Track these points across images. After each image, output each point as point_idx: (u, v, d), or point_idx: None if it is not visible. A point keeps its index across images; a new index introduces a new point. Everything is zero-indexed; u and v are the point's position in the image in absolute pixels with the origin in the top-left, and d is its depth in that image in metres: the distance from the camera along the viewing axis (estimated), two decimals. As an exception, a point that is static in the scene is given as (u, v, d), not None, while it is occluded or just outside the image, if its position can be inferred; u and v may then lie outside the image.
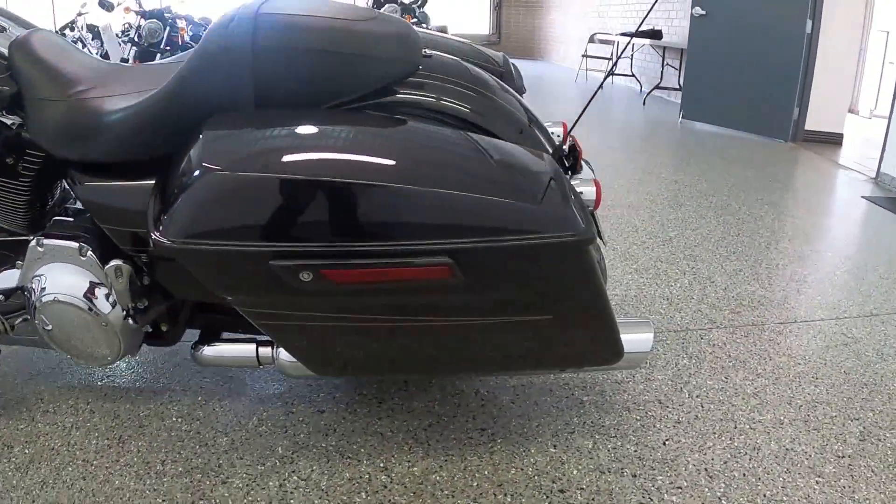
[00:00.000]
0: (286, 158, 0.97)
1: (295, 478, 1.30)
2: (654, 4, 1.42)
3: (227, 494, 1.25)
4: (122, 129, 1.14)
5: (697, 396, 1.59)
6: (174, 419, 1.47)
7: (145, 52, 4.65)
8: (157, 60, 3.87)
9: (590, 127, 5.21)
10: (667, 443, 1.42)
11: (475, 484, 1.30)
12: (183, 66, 1.13)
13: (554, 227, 0.96)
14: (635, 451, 1.40)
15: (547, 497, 1.27)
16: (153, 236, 0.99)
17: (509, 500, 1.26)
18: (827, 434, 1.45)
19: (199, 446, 1.38)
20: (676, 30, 6.49)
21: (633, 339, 1.26)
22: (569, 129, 1.42)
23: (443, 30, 5.99)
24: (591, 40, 8.27)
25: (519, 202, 0.95)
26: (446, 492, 1.28)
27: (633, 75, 7.44)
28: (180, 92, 1.12)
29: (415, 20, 5.72)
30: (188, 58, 1.14)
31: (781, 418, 1.51)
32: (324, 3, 1.21)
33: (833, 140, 4.57)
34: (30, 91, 1.19)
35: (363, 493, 1.27)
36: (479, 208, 0.95)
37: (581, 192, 1.18)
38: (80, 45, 5.23)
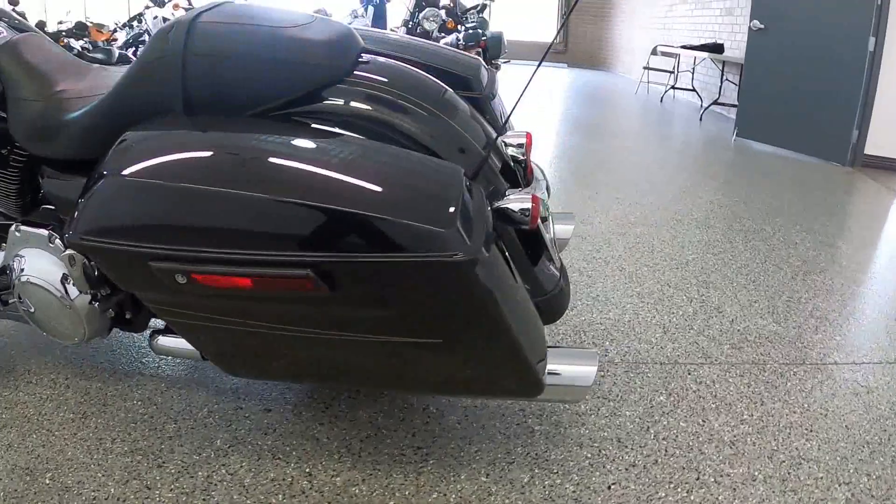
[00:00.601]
0: (169, 166, 0.99)
1: (223, 471, 1.30)
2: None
3: (158, 478, 1.28)
4: (75, 129, 1.22)
5: (664, 439, 1.43)
6: (135, 401, 1.52)
7: None
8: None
9: (639, 141, 5.00)
10: (612, 487, 1.27)
11: (391, 503, 1.21)
12: (124, 71, 1.18)
13: (431, 246, 0.89)
14: (573, 491, 1.26)
15: (456, 531, 1.16)
16: (65, 233, 1.04)
17: (416, 528, 1.16)
18: (805, 498, 1.27)
19: (148, 430, 1.42)
20: (739, 44, 6.15)
21: (572, 372, 1.17)
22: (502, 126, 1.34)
23: (498, 36, 5.89)
24: (654, 52, 7.97)
25: (393, 217, 0.90)
26: (359, 508, 1.20)
27: (693, 90, 7.11)
28: (118, 96, 1.17)
29: (462, 25, 5.65)
30: (130, 64, 1.19)
31: (755, 473, 1.33)
32: (264, 12, 1.19)
33: (894, 167, 4.18)
34: (12, 91, 1.30)
35: (280, 496, 1.25)
36: (346, 222, 0.90)
37: (508, 208, 1.09)
38: (146, 38, 5.42)
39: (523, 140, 1.37)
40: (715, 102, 6.25)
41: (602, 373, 1.67)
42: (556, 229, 1.55)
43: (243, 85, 1.11)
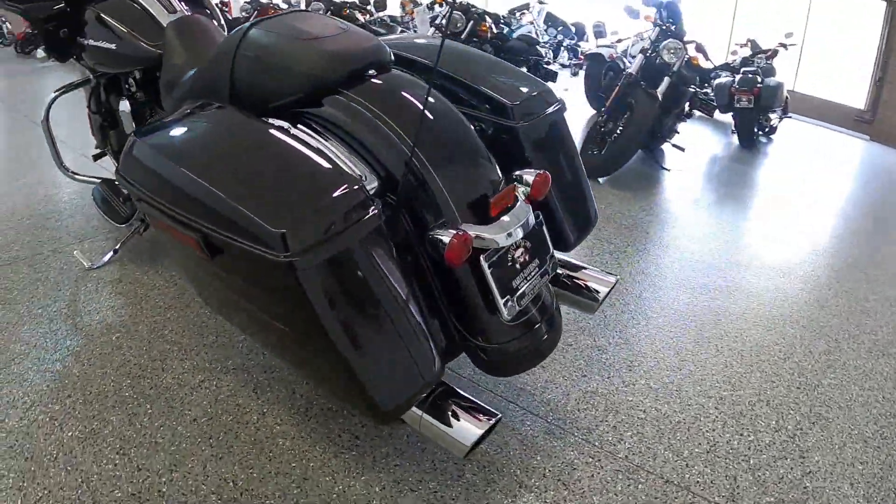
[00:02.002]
0: (157, 139, 1.27)
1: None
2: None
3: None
4: (176, 94, 1.61)
5: None
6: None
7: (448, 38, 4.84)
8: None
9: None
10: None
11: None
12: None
13: (260, 241, 1.01)
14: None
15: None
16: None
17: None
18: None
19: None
20: None
21: (456, 427, 1.19)
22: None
23: (776, 85, 4.78)
24: None
25: (248, 208, 1.03)
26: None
27: None
28: (198, 76, 1.49)
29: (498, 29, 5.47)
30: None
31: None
32: (307, 24, 1.35)
33: None
34: (166, 55, 1.80)
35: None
36: (219, 203, 1.06)
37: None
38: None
39: (531, 179, 1.34)
40: None
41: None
42: (593, 284, 1.58)
43: (264, 84, 1.31)
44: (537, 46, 5.47)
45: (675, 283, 2.58)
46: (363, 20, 5.89)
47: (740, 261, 2.84)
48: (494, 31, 5.01)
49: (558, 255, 1.63)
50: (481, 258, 1.21)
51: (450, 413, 1.21)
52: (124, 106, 2.17)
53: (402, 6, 5.54)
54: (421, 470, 1.51)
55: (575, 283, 1.58)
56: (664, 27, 3.90)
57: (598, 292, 1.55)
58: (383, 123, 1.23)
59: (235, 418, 1.65)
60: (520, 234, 1.25)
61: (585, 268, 1.61)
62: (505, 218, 1.25)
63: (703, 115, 5.44)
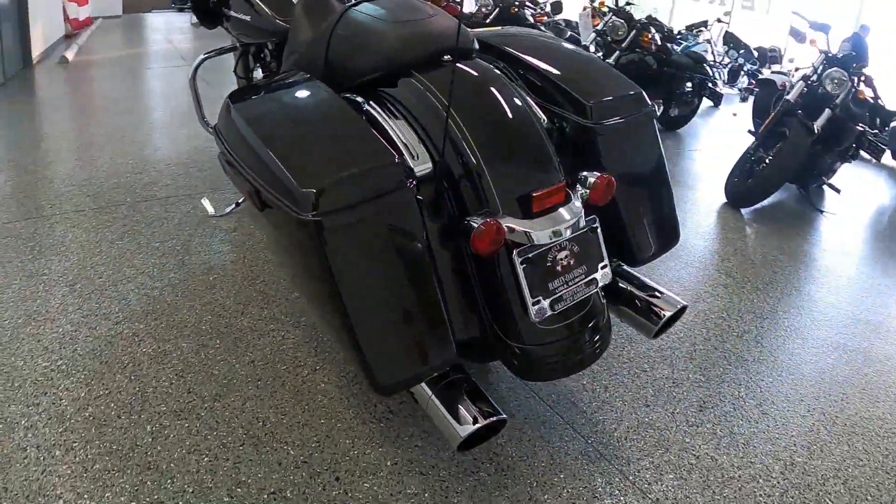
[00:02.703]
0: (240, 103, 1.35)
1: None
2: None
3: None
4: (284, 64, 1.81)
5: None
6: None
7: (608, 46, 4.82)
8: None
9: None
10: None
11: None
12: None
13: (289, 198, 1.06)
14: None
15: None
16: None
17: None
18: None
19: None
20: None
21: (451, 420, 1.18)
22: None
23: None
24: None
25: (286, 167, 1.08)
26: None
27: None
28: (306, 51, 1.61)
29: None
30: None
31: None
32: (396, 7, 1.43)
33: None
34: (292, 29, 1.90)
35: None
36: (269, 160, 1.12)
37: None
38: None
39: (594, 180, 1.28)
40: None
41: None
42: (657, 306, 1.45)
43: (349, 61, 1.40)
44: (705, 65, 5.13)
45: (785, 329, 2.29)
46: (532, 20, 5.90)
47: (871, 320, 2.45)
48: (658, 43, 4.77)
49: (629, 269, 1.53)
50: (514, 252, 1.17)
51: (458, 402, 1.18)
52: (259, 74, 2.39)
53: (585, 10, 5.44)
54: (438, 457, 1.49)
55: (636, 302, 1.46)
56: (831, 55, 3.48)
57: (659, 316, 1.42)
58: (443, 108, 1.23)
59: (288, 368, 1.75)
60: (563, 234, 1.19)
61: (654, 288, 1.48)
62: (548, 216, 1.19)
63: (869, 157, 4.76)
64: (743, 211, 3.49)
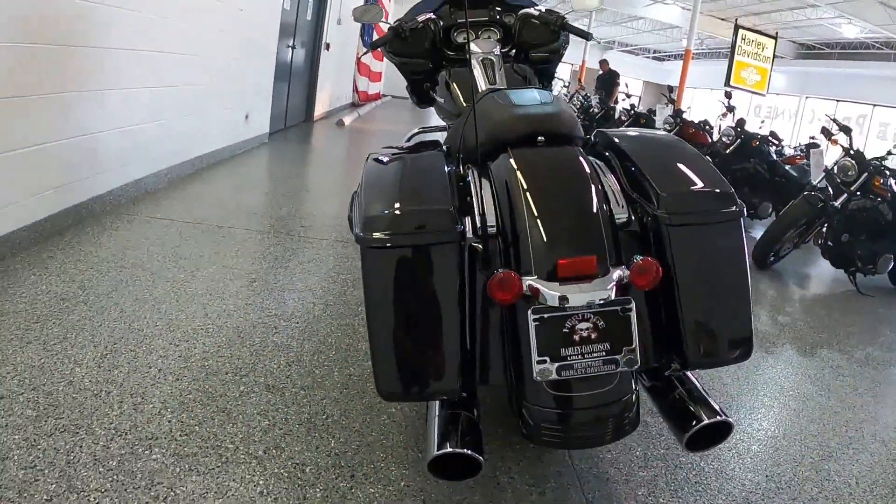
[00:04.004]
0: (375, 156, 1.57)
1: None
2: None
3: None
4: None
5: None
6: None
7: (836, 188, 4.22)
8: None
9: None
10: None
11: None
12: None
13: (357, 224, 1.28)
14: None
15: None
16: None
17: None
18: None
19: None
20: None
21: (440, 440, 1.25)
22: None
23: None
24: None
25: (365, 200, 1.33)
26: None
27: None
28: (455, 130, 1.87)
29: None
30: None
31: None
32: (517, 95, 1.68)
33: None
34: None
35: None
36: (360, 196, 1.37)
37: None
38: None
39: (635, 262, 1.29)
40: None
41: None
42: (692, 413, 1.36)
43: (469, 137, 1.59)
44: None
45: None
46: (774, 157, 5.86)
47: None
48: (894, 190, 4.22)
49: (687, 372, 1.45)
50: (530, 309, 1.23)
51: (450, 425, 1.27)
52: None
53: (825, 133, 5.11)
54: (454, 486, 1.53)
55: (671, 401, 1.37)
56: None
57: (689, 425, 1.32)
58: (515, 182, 1.38)
59: (369, 380, 1.95)
60: (579, 302, 1.21)
61: (699, 393, 1.38)
62: (570, 284, 1.24)
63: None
64: None
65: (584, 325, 1.24)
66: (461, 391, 1.28)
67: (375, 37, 7.03)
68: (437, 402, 1.33)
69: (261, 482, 1.47)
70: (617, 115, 7.98)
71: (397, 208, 1.27)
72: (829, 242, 4.05)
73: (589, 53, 16.80)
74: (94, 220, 3.12)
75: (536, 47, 2.28)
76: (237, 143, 5.38)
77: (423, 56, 2.32)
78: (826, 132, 4.48)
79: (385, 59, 2.48)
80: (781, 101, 20.96)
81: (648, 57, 27.25)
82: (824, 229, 4.12)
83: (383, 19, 2.55)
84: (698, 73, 17.42)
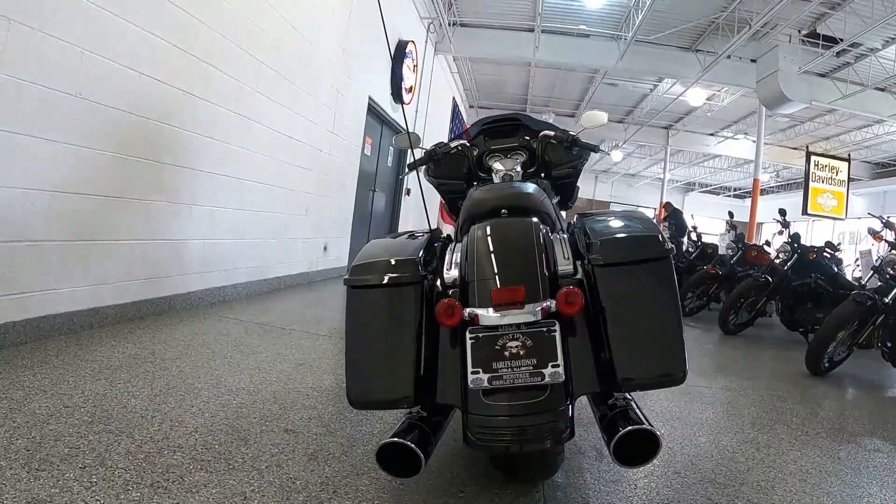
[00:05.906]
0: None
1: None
2: None
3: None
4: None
5: None
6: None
7: (886, 282, 4.27)
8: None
9: None
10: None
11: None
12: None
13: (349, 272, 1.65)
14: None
15: None
16: None
17: None
18: None
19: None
20: None
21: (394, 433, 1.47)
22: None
23: None
24: None
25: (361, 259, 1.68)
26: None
27: None
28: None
29: None
30: None
31: None
32: (501, 186, 2.02)
33: None
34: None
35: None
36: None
37: None
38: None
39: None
40: None
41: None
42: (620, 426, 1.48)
43: (457, 214, 2.00)
44: None
45: None
46: (836, 269, 5.71)
47: None
48: None
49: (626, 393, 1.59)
50: (468, 329, 1.48)
51: (408, 424, 1.51)
52: None
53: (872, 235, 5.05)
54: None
55: (607, 418, 1.49)
56: None
57: (613, 433, 1.42)
58: (473, 241, 1.67)
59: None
60: (507, 322, 1.46)
61: (634, 412, 1.48)
62: (503, 310, 1.48)
63: None
64: None
65: (513, 343, 1.47)
66: (414, 402, 1.51)
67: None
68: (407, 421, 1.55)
69: (255, 484, 1.67)
70: (685, 247, 8.29)
71: (376, 260, 1.63)
72: (888, 343, 3.86)
73: (667, 195, 17.67)
74: (173, 313, 3.64)
75: (558, 166, 2.60)
76: (315, 272, 6.01)
77: (459, 178, 2.67)
78: (872, 231, 4.52)
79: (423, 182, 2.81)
80: (864, 225, 19.98)
81: (729, 195, 27.42)
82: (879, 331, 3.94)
83: (420, 145, 2.99)
84: (778, 206, 17.03)
